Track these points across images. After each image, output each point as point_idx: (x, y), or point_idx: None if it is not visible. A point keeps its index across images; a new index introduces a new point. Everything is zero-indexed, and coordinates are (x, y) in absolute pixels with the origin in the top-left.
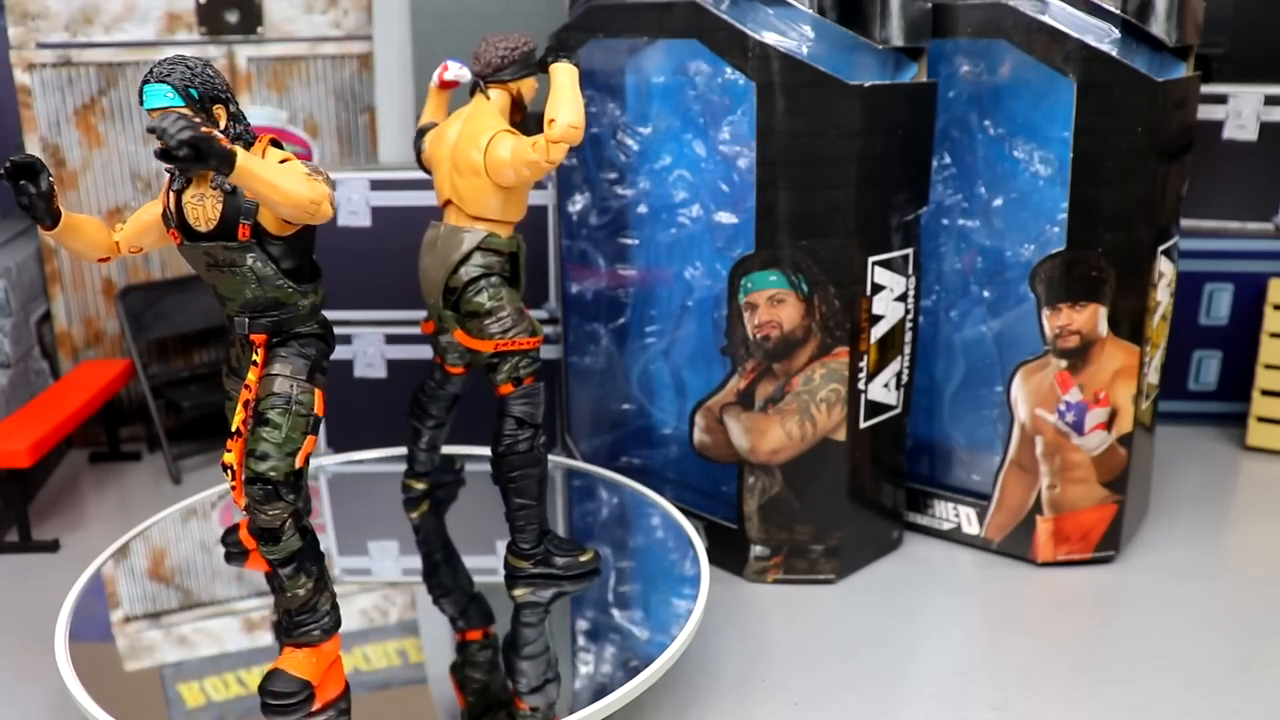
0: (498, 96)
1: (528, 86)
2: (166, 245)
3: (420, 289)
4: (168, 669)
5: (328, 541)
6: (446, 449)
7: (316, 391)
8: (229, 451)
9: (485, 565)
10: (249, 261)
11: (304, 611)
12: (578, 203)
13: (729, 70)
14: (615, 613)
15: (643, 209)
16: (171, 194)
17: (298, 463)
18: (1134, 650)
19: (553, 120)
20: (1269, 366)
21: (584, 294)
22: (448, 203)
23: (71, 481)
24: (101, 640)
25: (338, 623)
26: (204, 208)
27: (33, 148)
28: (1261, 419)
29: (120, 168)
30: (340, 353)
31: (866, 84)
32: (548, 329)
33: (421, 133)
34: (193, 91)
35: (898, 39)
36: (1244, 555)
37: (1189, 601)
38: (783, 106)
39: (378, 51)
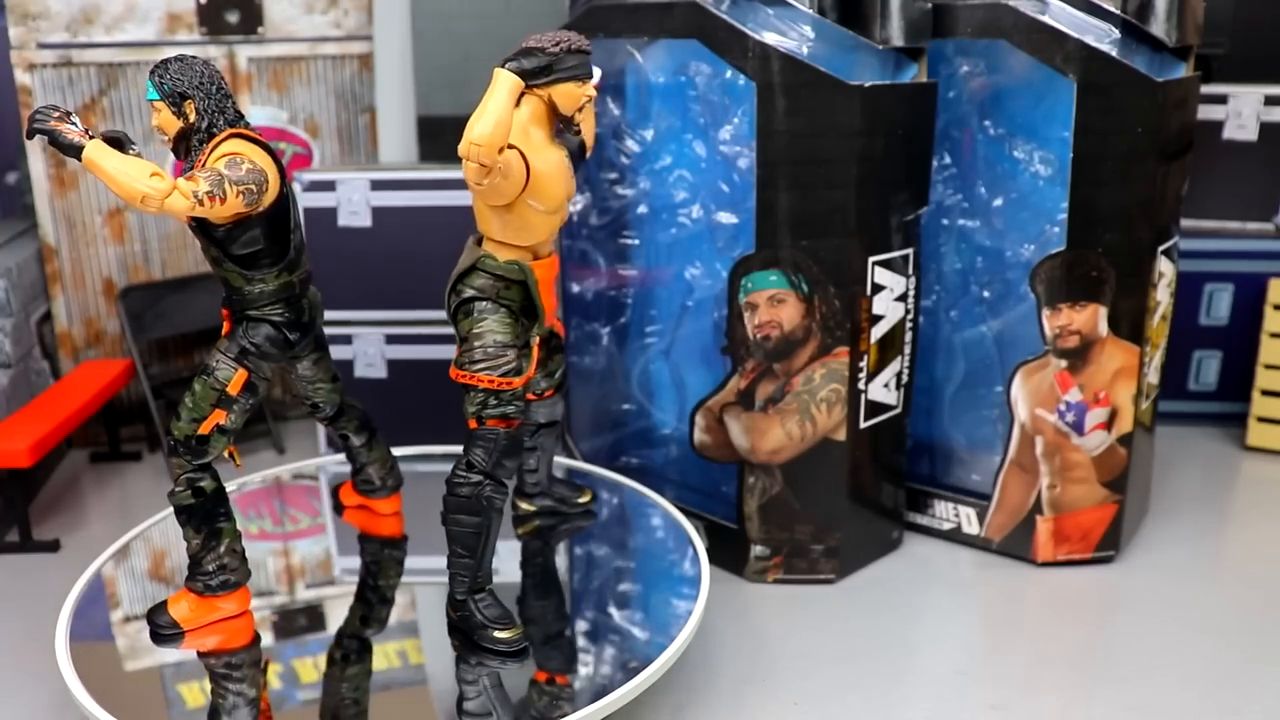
0: (529, 105)
1: (561, 94)
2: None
3: None
4: (168, 669)
5: (327, 541)
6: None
7: (239, 371)
8: None
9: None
10: (205, 244)
11: (194, 563)
12: (578, 203)
13: (729, 70)
14: (615, 613)
15: (643, 209)
16: None
17: (201, 429)
18: (1134, 650)
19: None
20: (1269, 366)
21: (584, 294)
22: None
23: (72, 481)
24: (101, 640)
25: (226, 586)
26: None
27: (33, 148)
28: (1261, 419)
29: None
30: (341, 353)
31: (867, 84)
32: None
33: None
34: (165, 87)
35: (898, 39)
36: (1244, 555)
37: (1189, 601)
38: (783, 107)
39: (378, 52)
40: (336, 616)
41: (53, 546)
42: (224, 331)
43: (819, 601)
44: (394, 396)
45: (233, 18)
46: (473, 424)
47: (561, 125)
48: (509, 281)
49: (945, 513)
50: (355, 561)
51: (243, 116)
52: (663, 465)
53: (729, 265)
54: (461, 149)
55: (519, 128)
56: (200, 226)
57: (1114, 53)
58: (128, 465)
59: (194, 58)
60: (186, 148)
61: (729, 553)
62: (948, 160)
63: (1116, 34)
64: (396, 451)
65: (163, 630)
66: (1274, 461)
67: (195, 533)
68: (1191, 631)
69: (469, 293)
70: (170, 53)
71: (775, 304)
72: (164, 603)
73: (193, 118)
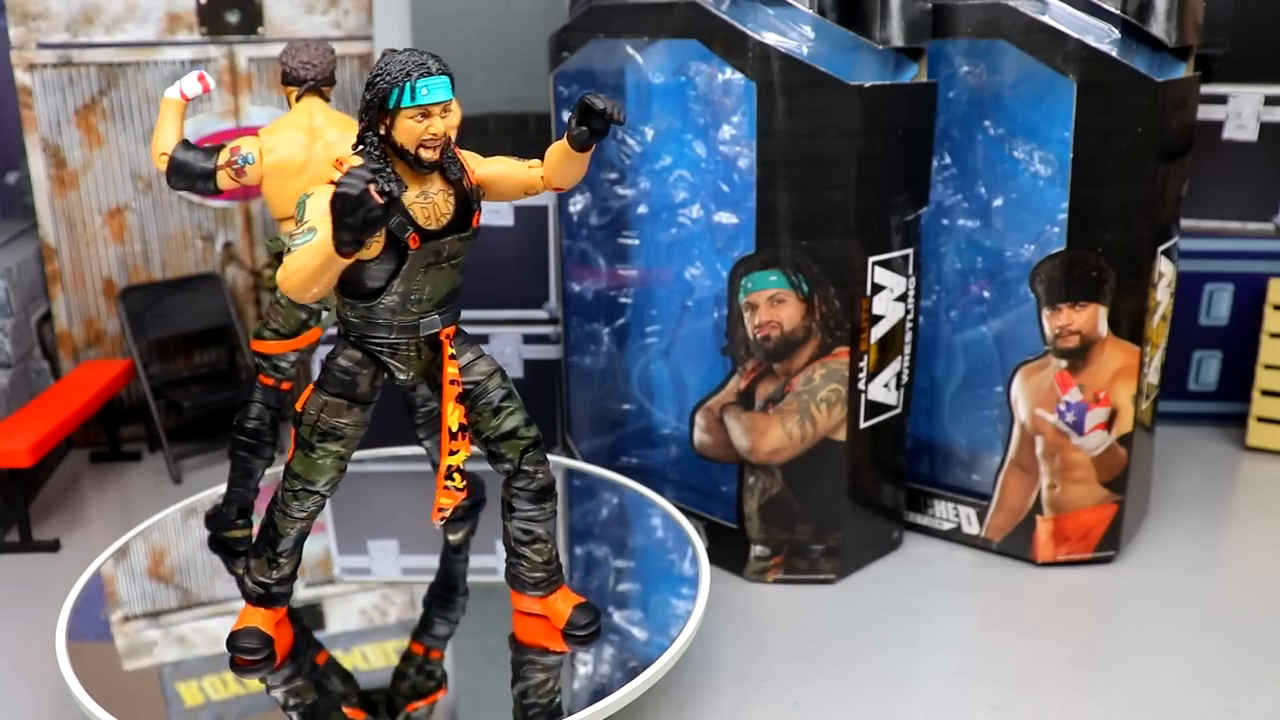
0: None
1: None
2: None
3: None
4: (167, 668)
5: (327, 540)
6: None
7: None
8: (456, 453)
9: (484, 565)
10: (466, 250)
11: (556, 555)
12: (578, 203)
13: (729, 70)
14: (615, 613)
15: (643, 209)
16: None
17: None
18: (1134, 650)
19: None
20: (1269, 366)
21: (584, 294)
22: None
23: (72, 481)
24: (101, 640)
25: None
26: (435, 205)
27: (33, 148)
28: (1261, 419)
29: (121, 168)
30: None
31: (867, 84)
32: (548, 329)
33: (196, 150)
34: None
35: (898, 39)
36: (1244, 555)
37: (1189, 601)
38: (783, 107)
39: (378, 52)
40: (337, 616)
41: (53, 546)
42: (453, 349)
43: (819, 601)
44: (395, 396)
45: (233, 18)
46: None
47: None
48: None
49: (945, 513)
50: (355, 561)
51: None
52: (663, 465)
53: (729, 265)
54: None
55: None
56: (475, 234)
57: (1114, 53)
58: (128, 465)
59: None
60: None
61: (729, 553)
62: (948, 160)
63: (1116, 34)
64: (396, 451)
65: (590, 626)
66: (1274, 461)
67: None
68: (1191, 631)
69: None
70: (170, 53)
71: (775, 304)
72: (581, 604)
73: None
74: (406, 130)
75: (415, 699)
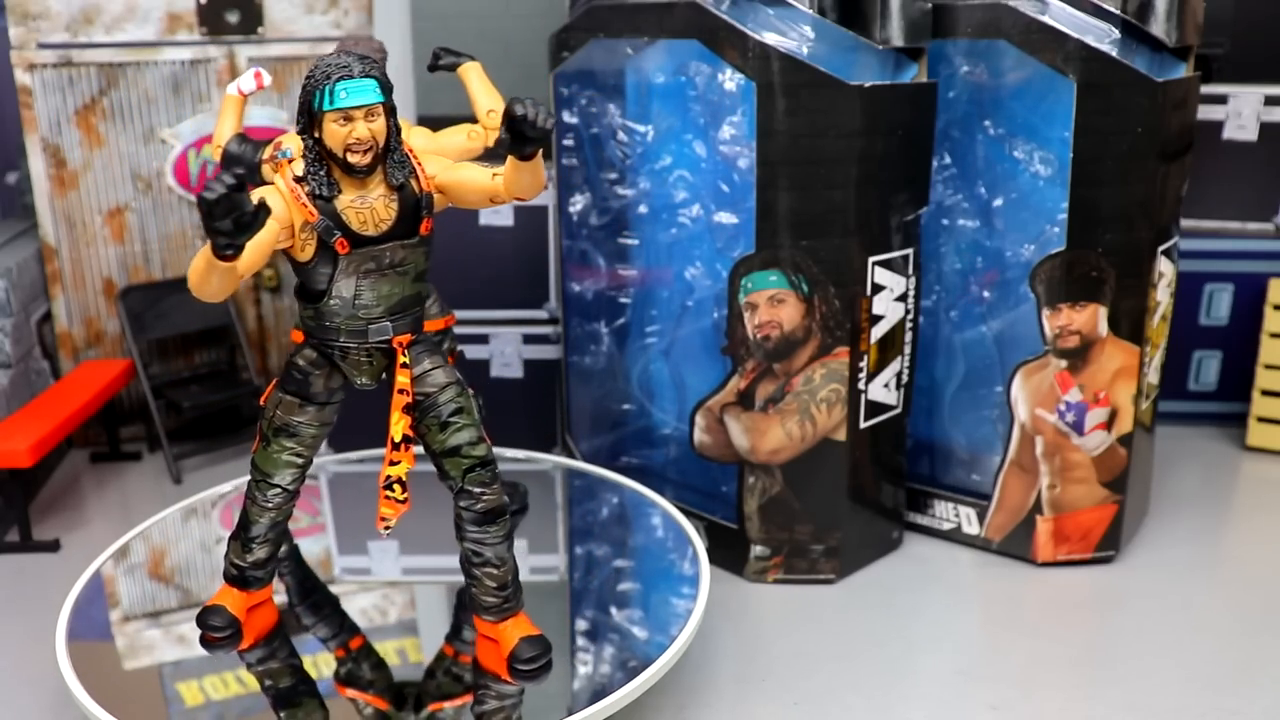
0: None
1: None
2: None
3: None
4: (167, 668)
5: (327, 540)
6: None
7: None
8: (397, 464)
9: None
10: (415, 257)
11: (514, 581)
12: (578, 203)
13: (729, 70)
14: (615, 612)
15: (643, 209)
16: (313, 203)
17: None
18: (1134, 650)
19: (492, 111)
20: (1269, 366)
21: (584, 294)
22: None
23: (72, 481)
24: (101, 640)
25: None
26: (373, 210)
27: (33, 148)
28: (1261, 419)
29: (121, 168)
30: None
31: (867, 84)
32: (548, 329)
33: (258, 144)
34: (388, 87)
35: (898, 39)
36: (1244, 555)
37: (1189, 601)
38: (783, 107)
39: None
40: (335, 615)
41: (53, 546)
42: (407, 359)
43: (819, 601)
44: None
45: (233, 18)
46: (451, 359)
47: None
48: None
49: (945, 513)
50: (355, 561)
51: None
52: (663, 465)
53: (729, 265)
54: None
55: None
56: (425, 242)
57: (1114, 53)
58: (128, 465)
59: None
60: (379, 159)
61: (729, 553)
62: (948, 160)
63: (1116, 34)
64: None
65: (545, 655)
66: (1274, 461)
67: (512, 552)
68: (1191, 631)
69: None
70: (170, 53)
71: (775, 304)
72: (524, 639)
73: (390, 120)
74: (331, 134)
75: (439, 699)
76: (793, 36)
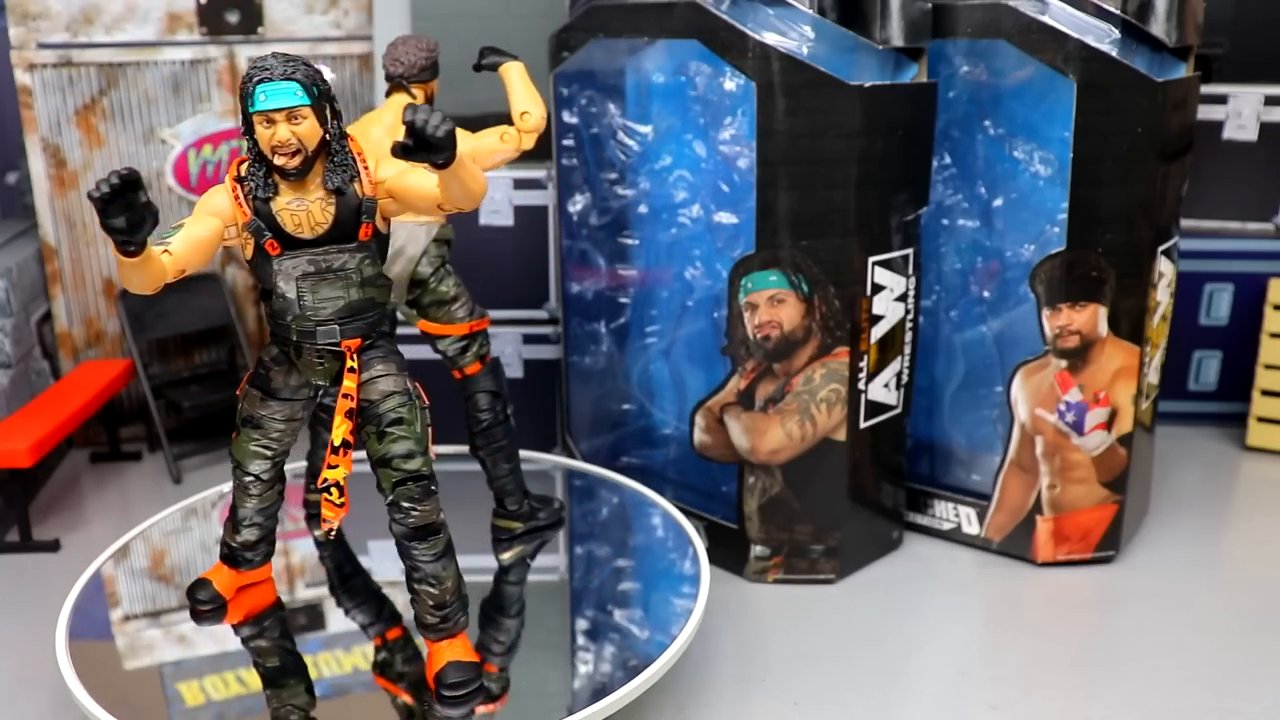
0: (419, 96)
1: (436, 87)
2: (208, 264)
3: None
4: (168, 668)
5: None
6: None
7: (414, 383)
8: (334, 468)
9: (478, 565)
10: (356, 263)
11: (454, 600)
12: (578, 203)
13: (729, 70)
14: (615, 612)
15: (643, 209)
16: (251, 204)
17: (431, 454)
18: (1134, 650)
19: (526, 113)
20: (1269, 366)
21: (584, 294)
22: None
23: (72, 481)
24: (101, 640)
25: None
26: (309, 213)
27: (33, 148)
28: (1261, 419)
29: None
30: None
31: (867, 84)
32: (548, 329)
33: None
34: (315, 90)
35: (898, 39)
36: (1244, 555)
37: (1189, 601)
38: (783, 107)
39: (378, 52)
40: (336, 615)
41: (53, 546)
42: (355, 364)
43: (819, 601)
44: None
45: (233, 18)
46: (477, 366)
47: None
48: (449, 244)
49: (945, 513)
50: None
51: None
52: (663, 465)
53: (729, 265)
54: (533, 125)
55: None
56: (381, 240)
57: (1114, 53)
58: (128, 465)
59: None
60: (311, 162)
61: (729, 553)
62: (948, 160)
63: (1116, 34)
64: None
65: (473, 684)
66: (1274, 461)
67: (453, 562)
68: (1191, 631)
69: (437, 261)
70: (170, 53)
71: (775, 304)
72: (448, 665)
73: (332, 121)
74: (260, 136)
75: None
76: (793, 36)
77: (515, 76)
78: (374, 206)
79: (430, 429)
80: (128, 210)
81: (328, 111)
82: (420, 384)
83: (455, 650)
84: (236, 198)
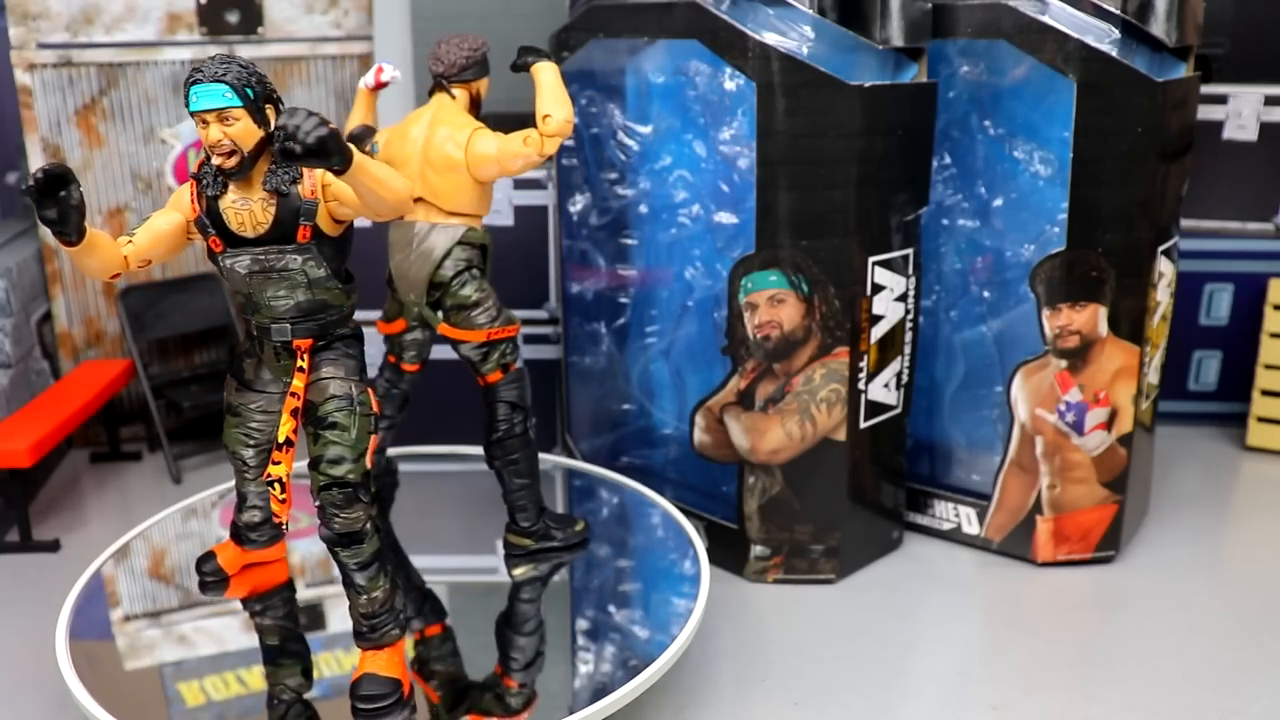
0: (461, 95)
1: (485, 87)
2: (174, 256)
3: (394, 288)
4: (168, 668)
5: None
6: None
7: (368, 388)
8: (277, 464)
9: (485, 565)
10: (300, 264)
11: (384, 611)
12: (578, 203)
13: (729, 70)
14: (615, 612)
15: (643, 209)
16: (202, 200)
17: (368, 462)
18: (1134, 650)
19: (548, 116)
20: (1269, 366)
21: (584, 294)
22: (418, 200)
23: (72, 481)
24: (101, 640)
25: (409, 617)
26: (251, 212)
27: (33, 148)
28: (1261, 419)
29: (121, 168)
30: None
31: (867, 84)
32: (547, 329)
33: (362, 135)
34: (249, 91)
35: (898, 39)
36: (1244, 555)
37: (1189, 601)
38: (783, 107)
39: (378, 52)
40: (337, 616)
41: (53, 546)
42: (305, 364)
43: (819, 601)
44: None
45: (233, 18)
46: (497, 375)
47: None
48: (479, 248)
49: (945, 513)
50: None
51: None
52: (663, 465)
53: (729, 265)
54: (555, 128)
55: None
56: (333, 243)
57: (1114, 53)
58: (128, 465)
59: (241, 58)
60: (251, 162)
61: (729, 553)
62: (948, 160)
63: (1116, 34)
64: (394, 451)
65: (389, 698)
66: (1274, 461)
67: (385, 576)
68: (1191, 631)
69: (461, 264)
70: (170, 53)
71: (775, 304)
72: (365, 675)
73: (273, 123)
74: (200, 136)
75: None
76: (793, 36)
77: (544, 77)
78: (313, 209)
79: (372, 436)
80: (57, 203)
81: (268, 112)
82: (373, 389)
83: (378, 663)
84: (194, 194)
